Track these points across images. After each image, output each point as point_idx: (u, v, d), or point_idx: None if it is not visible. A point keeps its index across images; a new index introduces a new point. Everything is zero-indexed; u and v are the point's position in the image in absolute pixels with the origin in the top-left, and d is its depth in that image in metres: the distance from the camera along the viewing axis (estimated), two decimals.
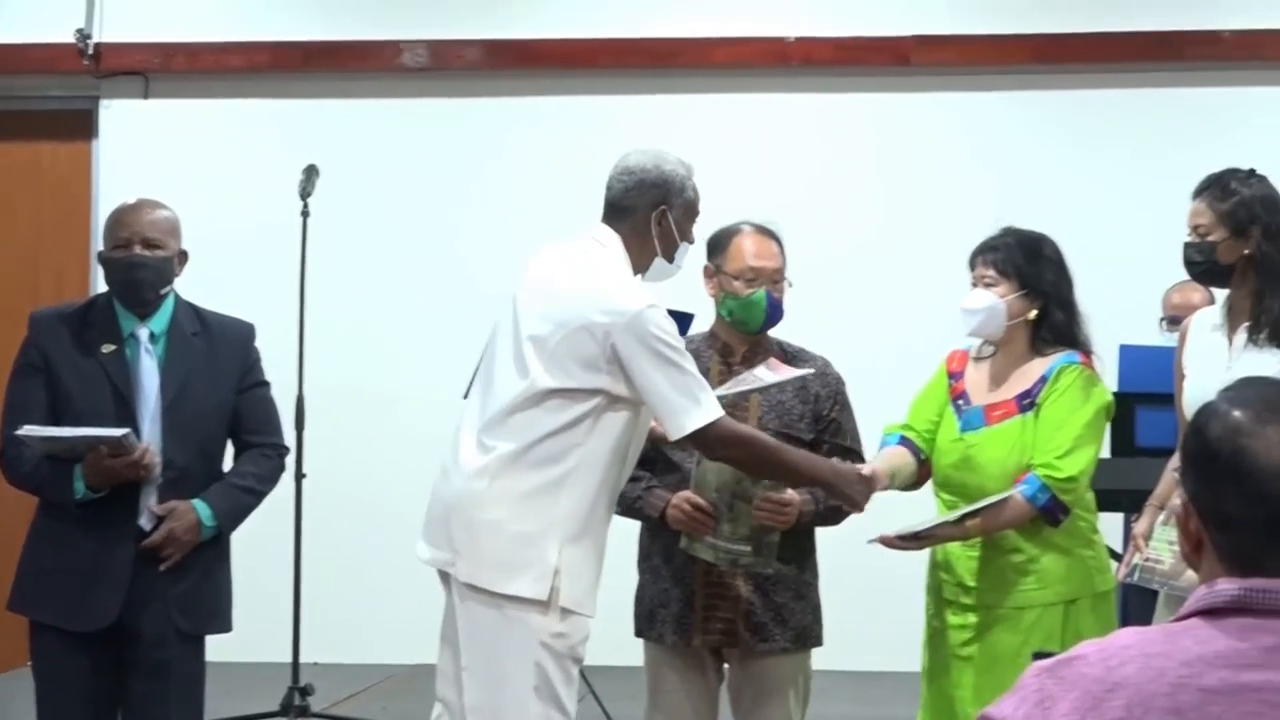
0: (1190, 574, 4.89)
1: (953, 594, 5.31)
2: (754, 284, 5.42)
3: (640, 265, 5.07)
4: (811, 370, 5.37)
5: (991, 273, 5.25)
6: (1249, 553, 2.38)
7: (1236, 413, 2.40)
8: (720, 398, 5.01)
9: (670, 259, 5.11)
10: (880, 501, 5.47)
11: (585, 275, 4.96)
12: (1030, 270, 5.23)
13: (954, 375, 5.45)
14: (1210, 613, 2.37)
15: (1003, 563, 5.20)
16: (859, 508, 5.20)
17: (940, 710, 5.32)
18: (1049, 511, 5.11)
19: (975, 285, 5.29)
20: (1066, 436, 5.14)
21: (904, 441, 5.43)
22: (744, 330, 5.49)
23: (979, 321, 5.26)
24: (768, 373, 5.27)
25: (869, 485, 5.17)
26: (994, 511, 5.09)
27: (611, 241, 5.04)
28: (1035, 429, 5.19)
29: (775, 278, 5.46)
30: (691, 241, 5.16)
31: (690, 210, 5.13)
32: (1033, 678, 2.39)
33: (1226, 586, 2.37)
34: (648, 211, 5.06)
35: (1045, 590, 5.18)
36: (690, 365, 4.84)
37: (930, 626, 5.41)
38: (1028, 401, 5.22)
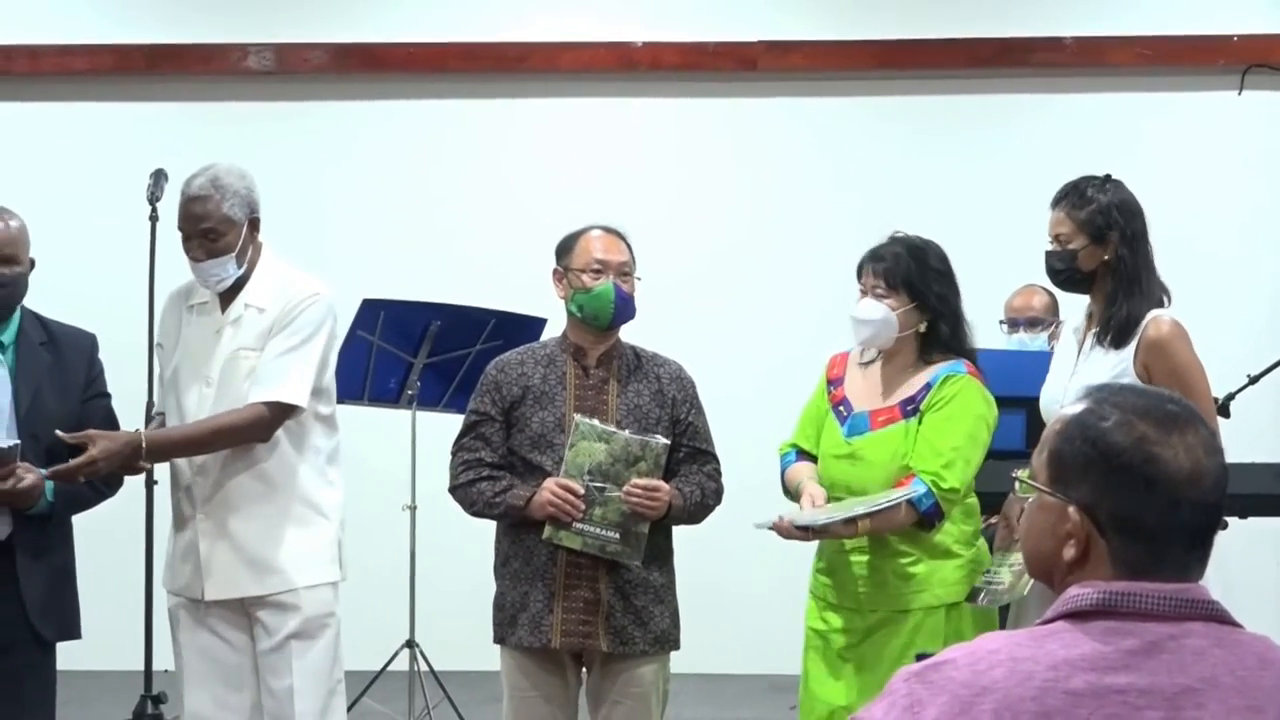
0: (1022, 584, 4.98)
1: (836, 597, 5.33)
2: (601, 276, 5.46)
3: None
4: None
5: (882, 284, 5.29)
6: (1151, 556, 2.43)
7: (1139, 421, 2.45)
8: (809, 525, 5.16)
9: None
10: (733, 517, 5.55)
11: None
12: (920, 283, 5.28)
13: (833, 382, 5.49)
14: (1076, 616, 2.41)
15: (886, 567, 5.24)
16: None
17: (814, 712, 5.33)
18: (929, 517, 5.16)
19: (865, 294, 5.33)
20: (949, 445, 5.18)
21: (801, 455, 5.48)
22: (595, 325, 5.49)
23: (870, 332, 5.31)
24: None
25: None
26: (886, 515, 5.11)
27: None
28: (917, 434, 5.24)
29: (623, 270, 5.49)
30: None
31: None
32: (901, 683, 2.42)
33: (1089, 591, 2.41)
34: None
35: (926, 594, 5.22)
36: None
37: (810, 628, 5.43)
38: (911, 408, 5.27)
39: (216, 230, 5.39)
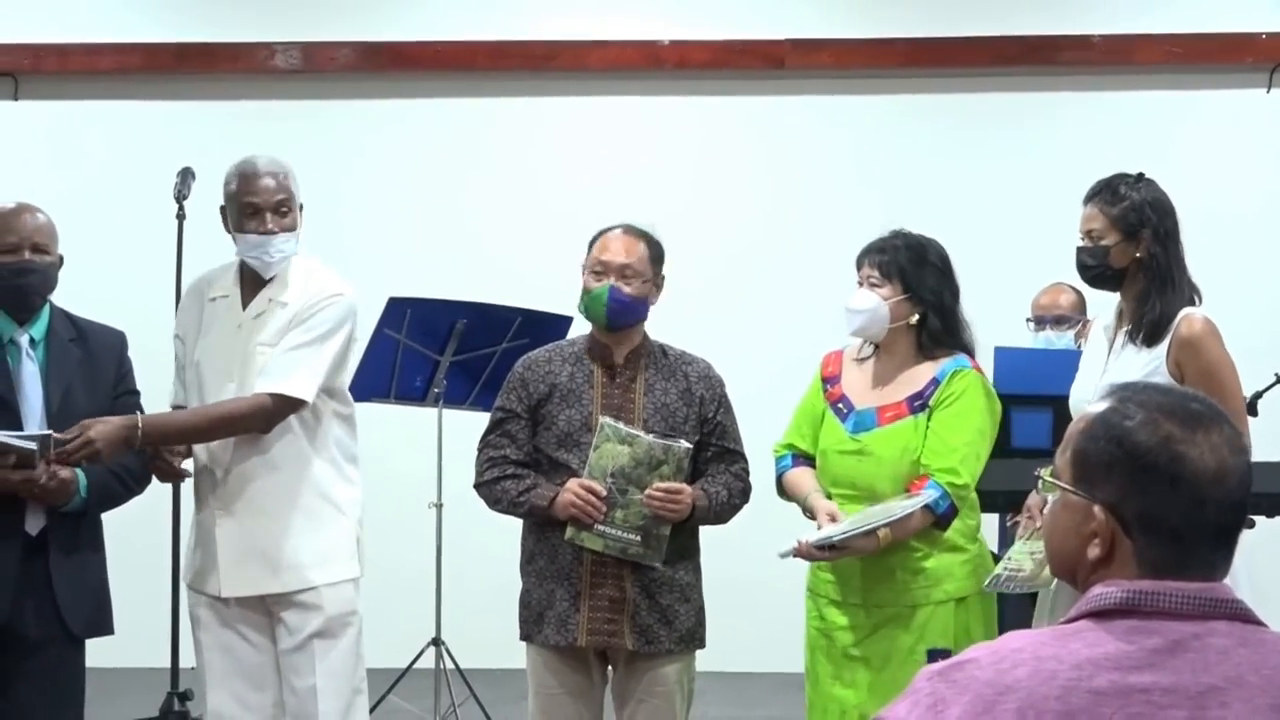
0: (1046, 574, 4.98)
1: (840, 594, 5.32)
2: (601, 278, 5.45)
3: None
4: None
5: (876, 274, 5.30)
6: (1176, 556, 2.41)
7: (1164, 420, 2.43)
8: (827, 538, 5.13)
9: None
10: (756, 515, 5.55)
11: None
12: (914, 275, 5.28)
13: (829, 380, 5.48)
14: (1099, 614, 2.40)
15: (893, 562, 5.23)
16: None
17: (828, 712, 5.33)
18: (946, 517, 5.16)
19: (860, 285, 5.33)
20: (961, 441, 5.19)
21: (798, 459, 5.48)
22: (597, 325, 5.50)
23: (861, 322, 5.31)
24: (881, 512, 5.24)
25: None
26: (902, 522, 5.10)
27: None
28: (927, 430, 5.23)
29: (624, 273, 5.44)
30: (237, 230, 5.53)
31: (229, 202, 5.56)
32: (925, 681, 2.40)
33: (1113, 590, 2.40)
34: None
35: (936, 588, 5.22)
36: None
37: (812, 628, 5.42)
38: (919, 403, 5.26)
39: (288, 204, 5.48)
